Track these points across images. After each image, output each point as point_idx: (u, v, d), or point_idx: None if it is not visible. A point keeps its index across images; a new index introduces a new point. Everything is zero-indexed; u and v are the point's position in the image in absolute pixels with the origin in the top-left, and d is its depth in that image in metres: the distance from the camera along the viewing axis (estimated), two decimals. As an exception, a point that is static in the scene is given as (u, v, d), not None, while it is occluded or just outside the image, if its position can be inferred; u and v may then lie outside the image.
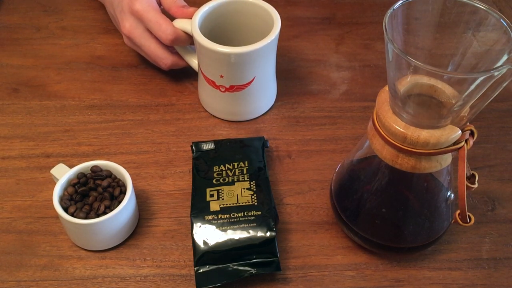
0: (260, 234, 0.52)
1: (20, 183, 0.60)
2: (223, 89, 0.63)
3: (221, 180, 0.57)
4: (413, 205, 0.52)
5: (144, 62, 0.74)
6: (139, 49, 0.68)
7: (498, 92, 0.41)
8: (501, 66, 0.39)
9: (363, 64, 0.75)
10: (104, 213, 0.52)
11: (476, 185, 0.48)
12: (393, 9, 0.42)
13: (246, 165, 0.58)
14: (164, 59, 0.67)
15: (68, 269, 0.53)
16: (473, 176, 0.48)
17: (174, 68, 0.69)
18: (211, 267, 0.51)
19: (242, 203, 0.54)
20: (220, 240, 0.51)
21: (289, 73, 0.73)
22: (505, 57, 0.41)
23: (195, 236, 0.52)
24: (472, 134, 0.45)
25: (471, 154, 0.46)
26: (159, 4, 0.67)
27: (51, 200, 0.52)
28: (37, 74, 0.72)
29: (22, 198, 0.59)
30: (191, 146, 0.61)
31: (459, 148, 0.45)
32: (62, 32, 0.78)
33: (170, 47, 0.68)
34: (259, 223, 0.52)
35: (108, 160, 0.56)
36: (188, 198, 0.57)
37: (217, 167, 0.58)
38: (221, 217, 0.53)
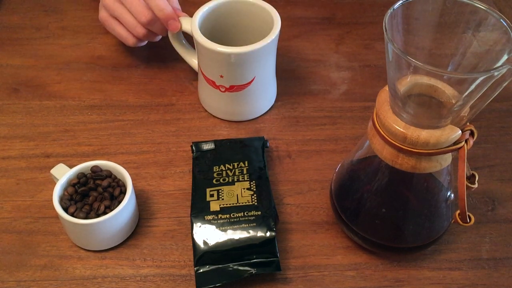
0: (260, 234, 0.52)
1: (20, 183, 0.60)
2: (223, 89, 0.63)
3: (221, 180, 0.57)
4: (413, 205, 0.52)
5: (144, 62, 0.74)
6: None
7: (498, 92, 0.41)
8: (501, 66, 0.39)
9: (363, 64, 0.75)
10: (104, 213, 0.52)
11: (476, 185, 0.48)
12: (393, 9, 0.42)
13: (246, 165, 0.58)
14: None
15: (68, 269, 0.53)
16: (473, 176, 0.48)
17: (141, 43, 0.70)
18: (211, 267, 0.51)
19: (242, 203, 0.54)
20: (220, 240, 0.51)
21: (289, 73, 0.73)
22: (505, 57, 0.41)
23: (195, 236, 0.52)
24: (472, 134, 0.45)
25: (471, 154, 0.45)
26: None
27: (51, 200, 0.52)
28: (37, 74, 0.72)
29: (22, 198, 0.59)
30: (191, 146, 0.61)
31: (459, 148, 0.45)
32: (62, 32, 0.78)
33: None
34: (259, 223, 0.52)
35: (108, 160, 0.56)
36: (188, 198, 0.57)
37: (217, 167, 0.58)
38: (221, 217, 0.53)
